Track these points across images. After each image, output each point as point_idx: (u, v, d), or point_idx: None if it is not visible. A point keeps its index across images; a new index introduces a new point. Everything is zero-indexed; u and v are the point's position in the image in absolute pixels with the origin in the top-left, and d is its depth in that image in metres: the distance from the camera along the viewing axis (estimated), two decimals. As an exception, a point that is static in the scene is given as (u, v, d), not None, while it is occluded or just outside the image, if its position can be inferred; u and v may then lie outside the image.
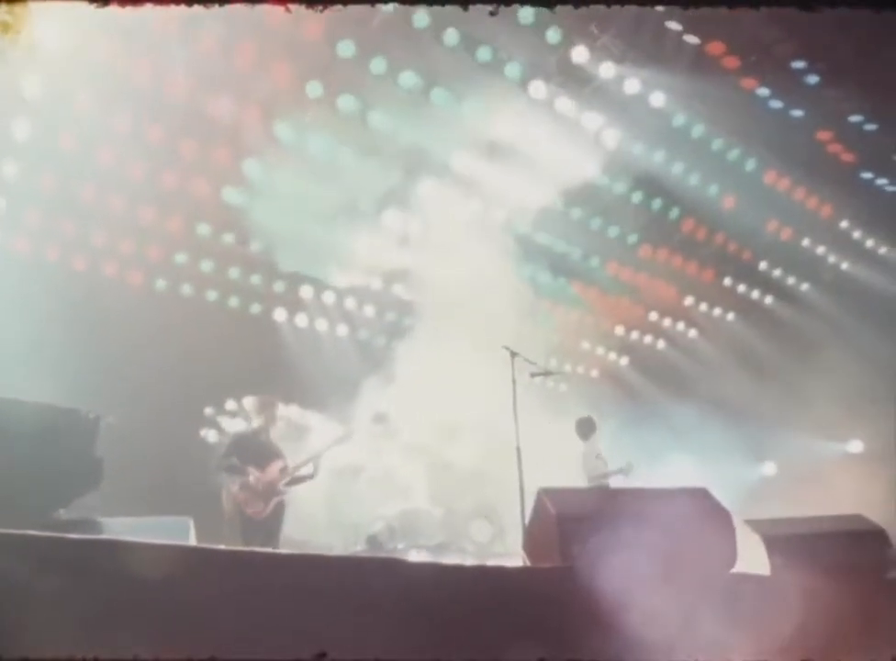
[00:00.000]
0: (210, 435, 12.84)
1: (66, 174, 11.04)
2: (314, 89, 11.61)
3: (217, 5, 5.24)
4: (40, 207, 11.19)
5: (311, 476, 9.52)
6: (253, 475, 8.99)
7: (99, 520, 6.50)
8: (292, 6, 5.16)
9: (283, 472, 9.23)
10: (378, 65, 11.56)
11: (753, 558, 6.04)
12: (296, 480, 9.40)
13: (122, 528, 6.20)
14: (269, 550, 7.86)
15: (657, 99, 13.03)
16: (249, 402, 9.94)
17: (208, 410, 12.98)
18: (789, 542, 6.33)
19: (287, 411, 12.72)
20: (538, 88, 12.66)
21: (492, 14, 6.25)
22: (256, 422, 9.47)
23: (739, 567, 5.76)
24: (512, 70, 12.30)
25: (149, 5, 5.17)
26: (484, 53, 11.88)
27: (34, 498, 6.19)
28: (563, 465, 11.02)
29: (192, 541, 6.63)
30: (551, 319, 15.06)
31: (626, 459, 10.99)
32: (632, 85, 12.86)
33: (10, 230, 11.10)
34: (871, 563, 6.25)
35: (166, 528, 6.57)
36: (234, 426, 12.95)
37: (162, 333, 11.67)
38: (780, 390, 14.39)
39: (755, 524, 6.59)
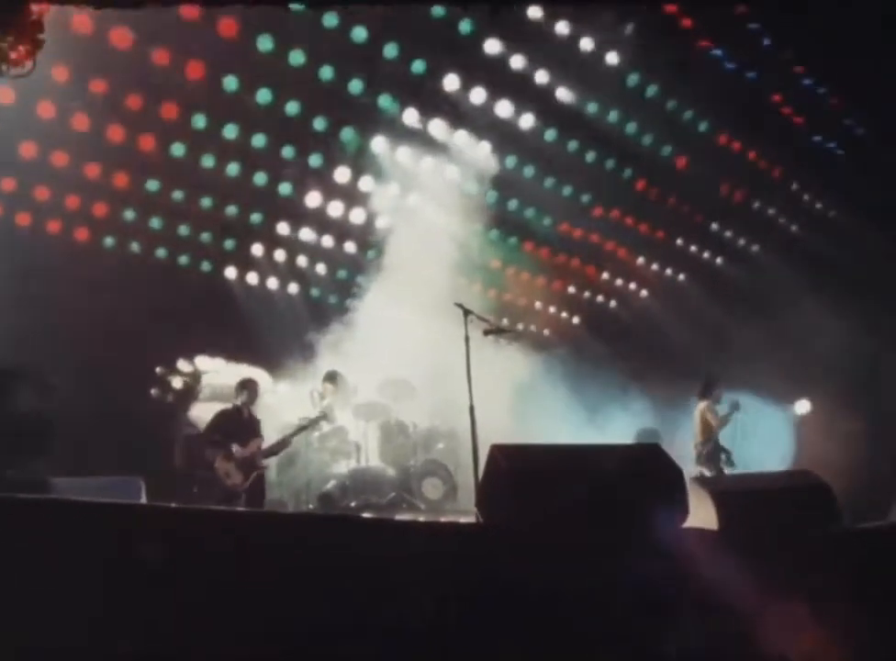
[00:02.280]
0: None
1: (7, 129, 10.73)
2: (264, 43, 11.39)
3: (217, 7, 5.15)
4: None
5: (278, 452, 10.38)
6: (235, 448, 9.62)
7: (49, 480, 6.43)
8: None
9: (260, 449, 9.92)
10: (330, 20, 11.39)
11: (702, 514, 6.13)
12: (269, 453, 10.19)
13: (73, 488, 6.14)
14: (221, 508, 7.85)
15: (611, 58, 13.04)
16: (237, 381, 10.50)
17: (159, 370, 12.86)
18: (736, 497, 6.42)
19: (238, 370, 12.65)
20: (492, 45, 12.60)
21: (493, 14, 6.13)
22: (239, 399, 10.09)
23: (689, 522, 5.85)
24: (465, 27, 12.19)
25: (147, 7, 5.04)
26: (437, 10, 11.75)
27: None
28: (515, 423, 11.11)
29: (143, 500, 6.59)
30: (502, 278, 15.07)
31: (732, 400, 11.24)
32: (586, 44, 12.85)
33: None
34: (816, 517, 6.37)
35: (117, 487, 6.53)
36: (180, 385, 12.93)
37: (110, 292, 11.48)
38: (728, 350, 14.56)
39: (703, 481, 6.70)
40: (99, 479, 6.86)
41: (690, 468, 10.76)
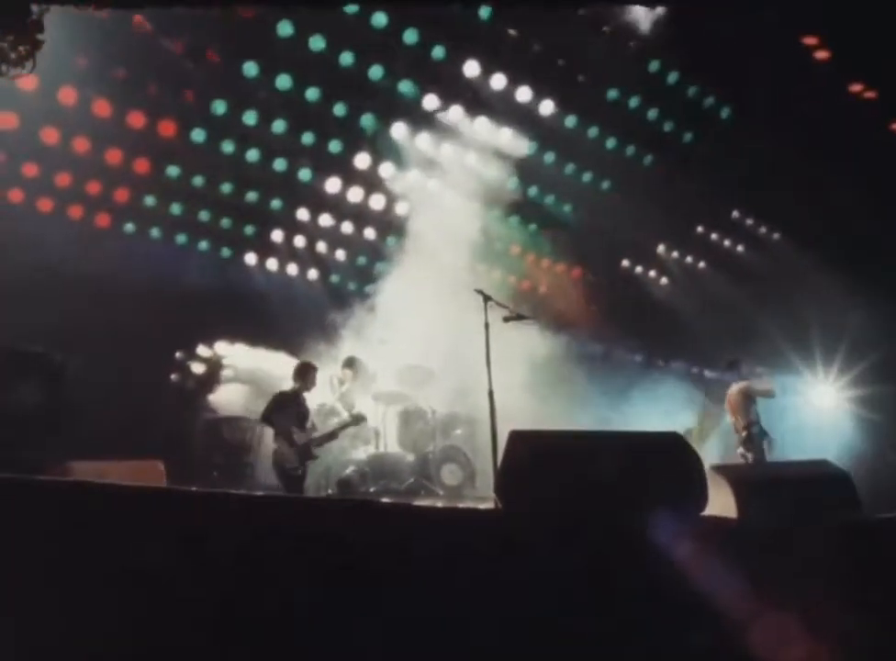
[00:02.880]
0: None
1: (29, 115, 10.78)
2: (284, 28, 11.38)
3: (217, 8, 5.10)
4: (2, 149, 10.94)
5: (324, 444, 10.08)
6: (296, 434, 9.53)
7: (68, 464, 6.47)
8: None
9: (313, 438, 9.80)
10: (350, 6, 11.33)
11: (721, 502, 6.10)
12: (320, 443, 9.97)
13: (93, 471, 6.17)
14: (242, 492, 7.87)
15: (632, 44, 12.92)
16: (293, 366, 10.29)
17: (179, 355, 12.94)
18: (756, 486, 6.39)
19: (259, 355, 12.75)
20: (511, 31, 12.53)
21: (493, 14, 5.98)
22: (297, 384, 9.88)
23: (707, 511, 5.82)
24: (484, 13, 12.09)
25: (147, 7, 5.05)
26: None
27: (1, 440, 6.14)
28: (535, 409, 11.08)
29: (164, 484, 6.63)
30: (522, 265, 15.05)
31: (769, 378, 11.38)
32: (606, 29, 12.76)
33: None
34: (836, 507, 6.33)
35: (138, 471, 6.56)
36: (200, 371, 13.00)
37: (131, 277, 11.53)
38: (750, 336, 14.47)
39: (722, 469, 6.64)
40: (120, 463, 6.89)
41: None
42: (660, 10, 12.35)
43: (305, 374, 9.97)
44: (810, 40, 12.45)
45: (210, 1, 5.40)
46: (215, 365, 13.09)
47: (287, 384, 10.54)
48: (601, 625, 4.99)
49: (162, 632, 4.28)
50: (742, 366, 11.36)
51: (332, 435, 10.15)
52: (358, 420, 10.57)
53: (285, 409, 9.65)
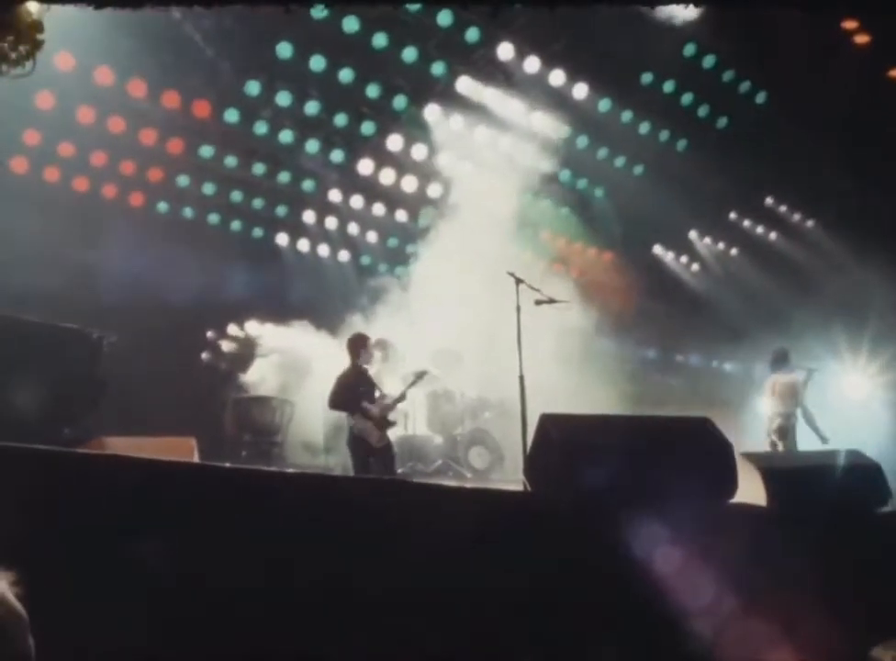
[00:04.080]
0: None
1: (66, 95, 10.86)
2: (318, 10, 11.35)
3: (217, 6, 5.07)
4: (39, 128, 11.04)
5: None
6: (370, 408, 9.28)
7: (103, 439, 6.56)
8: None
9: (386, 404, 9.53)
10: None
11: (751, 490, 6.09)
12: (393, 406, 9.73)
13: (127, 446, 6.25)
14: (273, 469, 7.95)
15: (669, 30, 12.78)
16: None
17: (210, 334, 13.05)
18: (785, 474, 6.37)
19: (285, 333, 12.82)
20: (546, 15, 12.42)
21: (492, 16, 5.93)
22: (354, 359, 9.50)
23: (737, 498, 5.81)
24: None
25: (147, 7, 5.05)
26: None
27: (39, 415, 6.22)
28: (565, 392, 11.06)
29: (195, 460, 6.71)
30: (554, 248, 14.98)
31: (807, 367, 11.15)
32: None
33: (8, 152, 10.96)
34: (866, 497, 6.30)
35: (170, 447, 6.63)
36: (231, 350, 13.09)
37: (163, 255, 11.62)
38: (775, 324, 14.35)
39: (752, 456, 6.62)
40: (153, 439, 6.98)
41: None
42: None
43: (358, 346, 9.58)
44: (849, 24, 12.24)
45: (210, 1, 5.34)
46: (246, 345, 13.18)
47: (320, 362, 10.53)
48: (625, 606, 5.01)
49: (195, 599, 4.34)
50: (790, 360, 11.16)
51: (402, 397, 9.86)
52: (422, 375, 10.34)
53: (350, 388, 9.38)
